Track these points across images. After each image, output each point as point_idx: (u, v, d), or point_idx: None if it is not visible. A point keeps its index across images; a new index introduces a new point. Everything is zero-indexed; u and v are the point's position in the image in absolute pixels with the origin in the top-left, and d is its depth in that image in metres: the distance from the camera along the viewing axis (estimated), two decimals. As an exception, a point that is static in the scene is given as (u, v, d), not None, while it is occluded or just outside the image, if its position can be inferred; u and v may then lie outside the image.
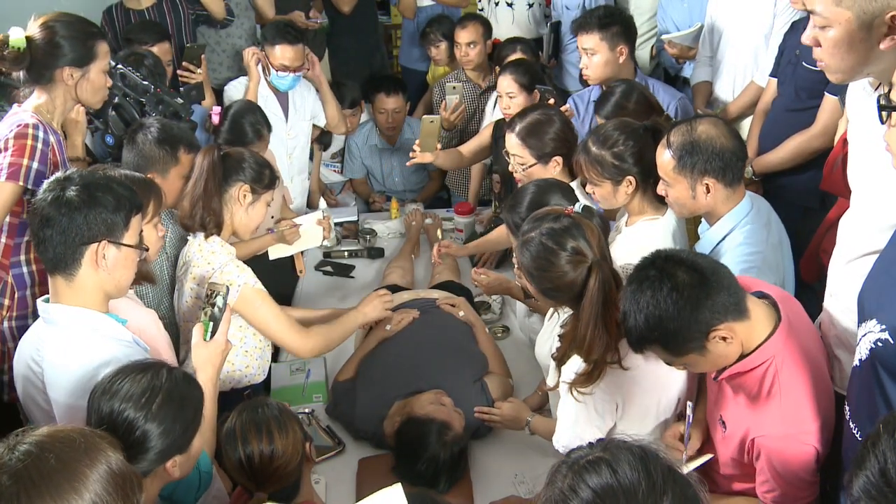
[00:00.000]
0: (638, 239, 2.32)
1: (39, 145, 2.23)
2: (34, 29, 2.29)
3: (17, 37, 2.23)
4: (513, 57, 3.66)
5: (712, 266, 1.65)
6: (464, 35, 3.91)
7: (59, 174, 1.77)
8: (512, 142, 2.71)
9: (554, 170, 2.67)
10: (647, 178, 2.32)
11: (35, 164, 2.21)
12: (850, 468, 1.22)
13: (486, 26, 3.99)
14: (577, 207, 2.14)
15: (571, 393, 1.92)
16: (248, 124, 3.09)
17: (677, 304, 1.59)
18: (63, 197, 1.69)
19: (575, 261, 1.85)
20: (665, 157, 2.12)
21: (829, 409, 1.71)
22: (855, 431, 1.61)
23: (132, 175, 1.98)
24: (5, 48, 2.22)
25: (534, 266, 1.91)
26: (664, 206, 2.36)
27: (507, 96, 3.19)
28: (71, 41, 2.31)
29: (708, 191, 2.10)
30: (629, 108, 2.73)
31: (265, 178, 2.40)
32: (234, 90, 3.66)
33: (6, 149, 2.20)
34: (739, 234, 2.13)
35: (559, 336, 1.96)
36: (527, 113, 2.73)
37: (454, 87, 3.69)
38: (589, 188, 2.39)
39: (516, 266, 2.07)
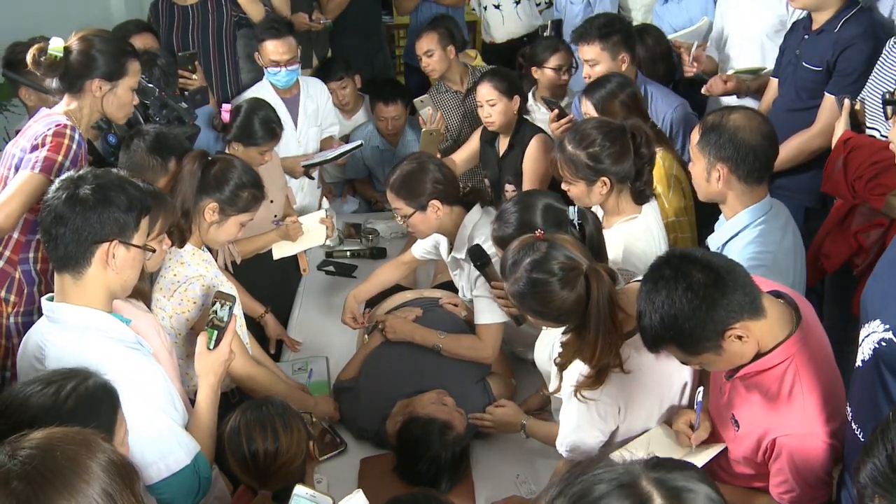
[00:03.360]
0: (619, 240, 2.32)
1: (74, 146, 2.30)
2: (73, 40, 2.38)
3: (56, 45, 2.32)
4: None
5: (727, 265, 1.65)
6: (419, 46, 3.87)
7: (70, 173, 1.79)
8: (389, 196, 2.66)
9: (436, 214, 2.59)
10: (624, 179, 2.33)
11: (67, 163, 2.28)
12: (858, 456, 1.24)
13: (445, 32, 3.92)
14: (572, 211, 2.14)
15: (577, 396, 1.91)
16: (260, 122, 3.03)
17: (692, 304, 1.59)
18: (77, 195, 1.70)
19: (571, 278, 1.83)
20: (696, 132, 2.17)
21: (843, 409, 1.72)
22: (857, 432, 1.61)
23: (147, 187, 1.99)
24: (43, 55, 2.30)
25: (536, 303, 1.88)
26: (640, 206, 2.37)
27: (488, 104, 3.20)
28: (105, 55, 2.38)
29: (720, 178, 2.11)
30: (619, 99, 2.73)
31: (241, 200, 2.34)
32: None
33: (43, 144, 2.27)
34: (752, 232, 2.14)
35: (561, 344, 1.95)
36: (398, 166, 2.68)
37: (422, 101, 3.71)
38: (564, 186, 2.40)
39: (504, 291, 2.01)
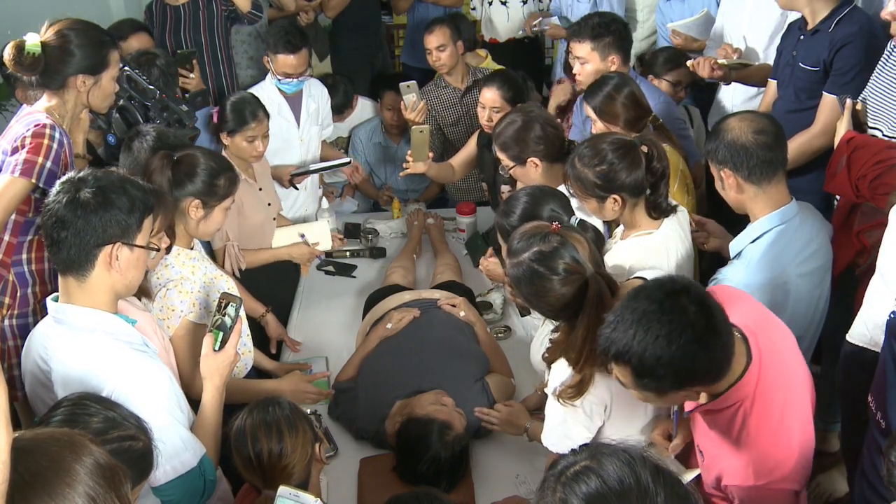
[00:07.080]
0: (630, 253, 2.28)
1: (55, 145, 2.27)
2: (49, 35, 2.31)
3: (32, 42, 2.26)
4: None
5: (720, 316, 1.56)
6: (432, 40, 3.82)
7: (72, 174, 1.77)
8: (494, 145, 2.76)
9: (535, 169, 2.71)
10: (637, 194, 2.28)
11: (48, 164, 2.25)
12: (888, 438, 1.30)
13: (454, 28, 3.88)
14: (573, 221, 2.13)
15: (559, 401, 1.91)
16: (231, 107, 3.02)
17: (696, 356, 1.51)
18: (78, 198, 1.69)
19: (570, 280, 1.82)
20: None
21: (807, 438, 1.68)
22: (878, 418, 1.64)
23: (148, 186, 1.98)
24: (22, 54, 2.25)
25: (529, 292, 1.88)
26: (659, 220, 2.33)
27: (492, 110, 3.20)
28: (85, 50, 2.33)
29: (728, 184, 2.12)
30: (618, 101, 2.71)
31: (219, 189, 2.33)
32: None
33: (23, 146, 2.24)
34: (765, 240, 2.12)
35: (550, 340, 1.95)
36: (506, 115, 2.79)
37: (408, 86, 3.67)
38: (580, 202, 2.38)
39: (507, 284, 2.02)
